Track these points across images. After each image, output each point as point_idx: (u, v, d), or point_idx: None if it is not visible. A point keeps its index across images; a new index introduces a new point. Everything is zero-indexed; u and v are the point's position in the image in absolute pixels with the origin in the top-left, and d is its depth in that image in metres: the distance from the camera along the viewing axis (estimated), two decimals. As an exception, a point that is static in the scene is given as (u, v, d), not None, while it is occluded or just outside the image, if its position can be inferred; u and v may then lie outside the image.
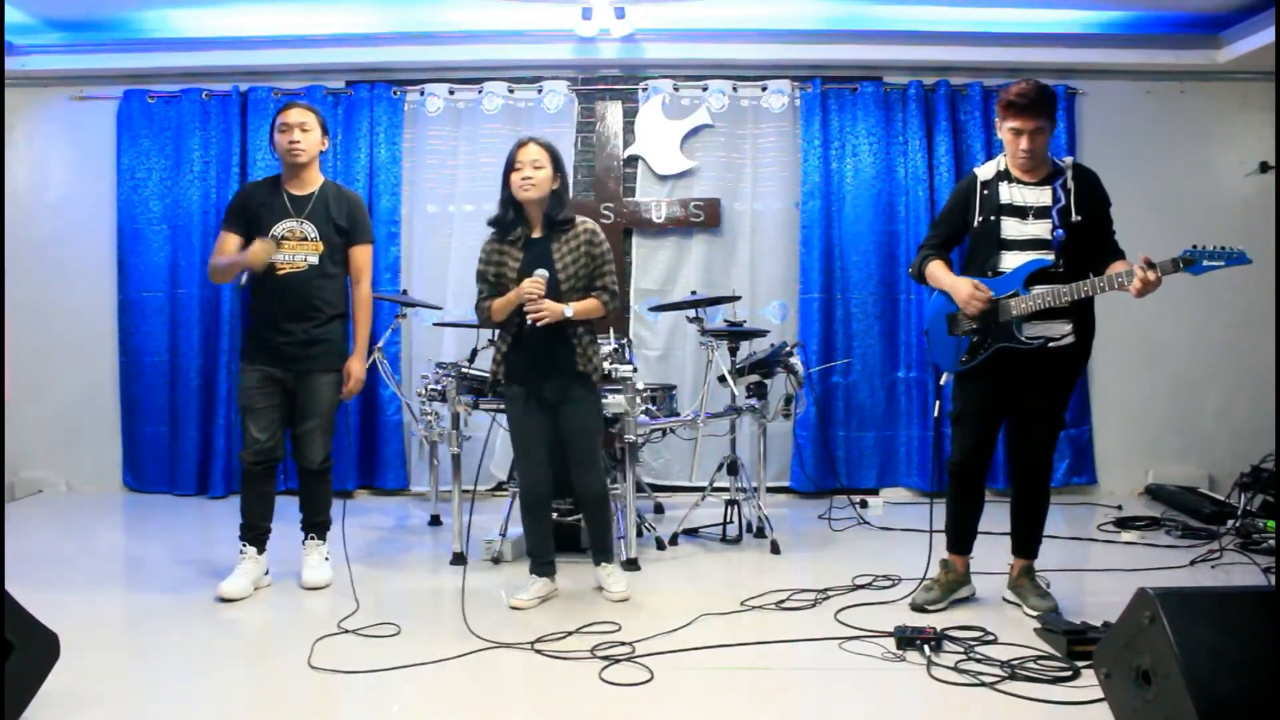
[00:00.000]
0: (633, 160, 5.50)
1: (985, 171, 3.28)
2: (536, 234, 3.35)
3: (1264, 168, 5.42)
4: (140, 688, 2.73)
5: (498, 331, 3.42)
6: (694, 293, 4.84)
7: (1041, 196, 3.17)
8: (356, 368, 3.64)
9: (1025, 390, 3.22)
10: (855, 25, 5.31)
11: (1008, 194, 3.19)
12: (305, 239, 3.52)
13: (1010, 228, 3.18)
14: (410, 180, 5.51)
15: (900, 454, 5.42)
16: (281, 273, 3.50)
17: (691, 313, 4.45)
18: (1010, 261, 3.16)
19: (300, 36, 5.34)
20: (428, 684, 2.72)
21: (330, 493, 3.71)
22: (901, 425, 5.41)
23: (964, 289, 3.16)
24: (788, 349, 4.39)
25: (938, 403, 3.35)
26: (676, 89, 5.47)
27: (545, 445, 3.42)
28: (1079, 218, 3.14)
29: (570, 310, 3.25)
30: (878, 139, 5.41)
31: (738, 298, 4.69)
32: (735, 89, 5.47)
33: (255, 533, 3.61)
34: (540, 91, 5.48)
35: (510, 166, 3.31)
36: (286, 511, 3.83)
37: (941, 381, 3.35)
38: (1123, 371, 5.50)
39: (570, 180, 3.48)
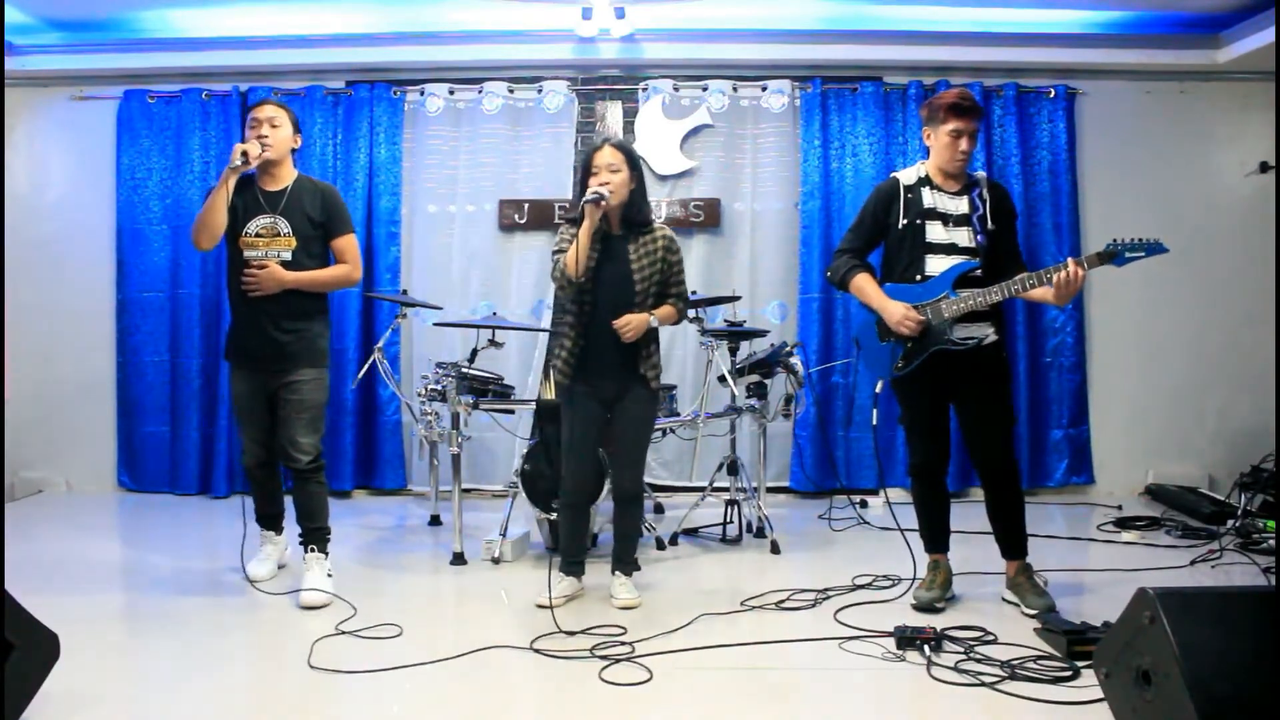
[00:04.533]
0: (632, 160, 5.50)
1: (907, 176, 3.34)
2: (616, 231, 3.40)
3: (1264, 168, 5.42)
4: (140, 688, 2.73)
5: (564, 328, 3.41)
6: (694, 293, 4.83)
7: (960, 205, 3.27)
8: (279, 273, 3.40)
9: (968, 393, 3.29)
10: (855, 25, 5.32)
11: (931, 199, 3.27)
12: (278, 234, 3.45)
13: (934, 232, 3.25)
14: (410, 180, 5.51)
15: (900, 454, 5.41)
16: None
17: (691, 313, 4.45)
18: (936, 265, 3.23)
19: (300, 36, 5.34)
20: (428, 684, 2.72)
21: (326, 496, 3.58)
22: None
23: (896, 313, 3.20)
24: (788, 349, 4.39)
25: (875, 410, 3.37)
26: (676, 89, 5.47)
27: (596, 446, 3.47)
28: (994, 227, 3.26)
29: (655, 320, 3.33)
30: (878, 139, 5.40)
31: (738, 298, 4.70)
32: (735, 89, 5.48)
33: (269, 517, 3.74)
34: (540, 91, 5.48)
35: (587, 170, 3.34)
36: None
37: (876, 389, 3.37)
38: (1123, 371, 5.51)
39: (645, 181, 3.47)
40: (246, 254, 3.44)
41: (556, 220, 5.23)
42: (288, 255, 3.46)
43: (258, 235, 3.45)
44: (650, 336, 3.40)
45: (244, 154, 3.35)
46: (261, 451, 3.59)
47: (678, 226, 5.42)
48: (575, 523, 3.50)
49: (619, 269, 3.33)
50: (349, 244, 3.60)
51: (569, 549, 3.49)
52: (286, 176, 3.54)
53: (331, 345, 5.32)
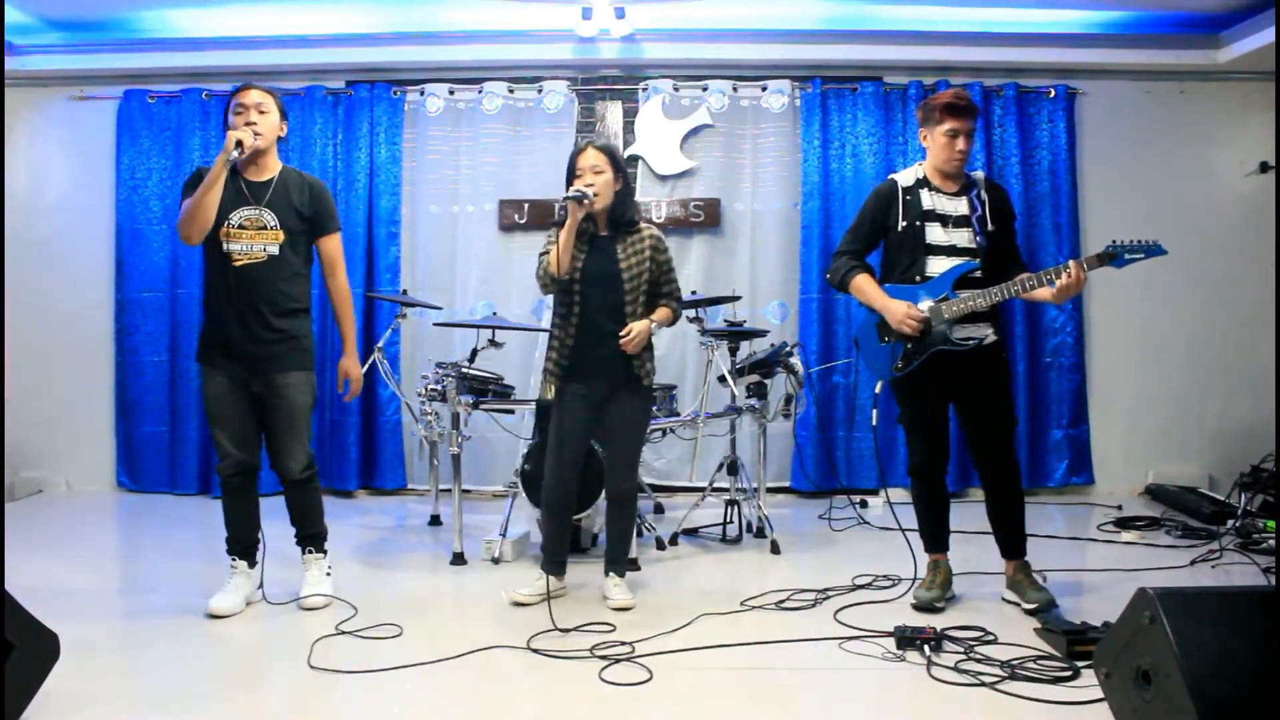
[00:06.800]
0: (633, 160, 5.50)
1: (905, 178, 3.34)
2: (603, 232, 3.39)
3: (1264, 168, 5.42)
4: (140, 688, 2.73)
5: (555, 327, 3.41)
6: (694, 293, 4.85)
7: (959, 206, 3.27)
8: (353, 368, 3.45)
9: (968, 394, 3.29)
10: (855, 25, 5.33)
11: (929, 201, 3.27)
12: (264, 227, 3.24)
13: (934, 234, 3.25)
14: (411, 180, 5.52)
15: (900, 454, 5.41)
16: (238, 264, 3.21)
17: (691, 313, 4.45)
18: (936, 266, 3.23)
19: (300, 36, 5.35)
20: (428, 684, 2.72)
21: (320, 501, 3.46)
22: (901, 425, 5.42)
23: (898, 312, 3.20)
24: (788, 349, 4.39)
25: (875, 411, 3.38)
26: (676, 89, 5.48)
27: (582, 445, 3.45)
28: (993, 228, 3.26)
29: (655, 325, 3.35)
30: (878, 139, 5.41)
31: (738, 298, 4.69)
32: (735, 89, 5.48)
33: (242, 546, 3.42)
34: (540, 91, 5.48)
35: (571, 173, 3.34)
36: (283, 515, 3.65)
37: (876, 389, 3.37)
38: (1123, 371, 5.51)
39: (632, 181, 3.46)
40: (227, 246, 3.22)
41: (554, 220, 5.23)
42: (275, 250, 3.25)
43: (241, 227, 3.23)
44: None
45: (239, 143, 3.16)
46: (241, 455, 3.30)
47: (678, 226, 5.43)
48: (557, 522, 3.48)
49: (607, 269, 3.33)
50: (334, 244, 3.42)
51: (551, 548, 3.47)
52: (272, 167, 3.34)
53: (331, 345, 5.41)
